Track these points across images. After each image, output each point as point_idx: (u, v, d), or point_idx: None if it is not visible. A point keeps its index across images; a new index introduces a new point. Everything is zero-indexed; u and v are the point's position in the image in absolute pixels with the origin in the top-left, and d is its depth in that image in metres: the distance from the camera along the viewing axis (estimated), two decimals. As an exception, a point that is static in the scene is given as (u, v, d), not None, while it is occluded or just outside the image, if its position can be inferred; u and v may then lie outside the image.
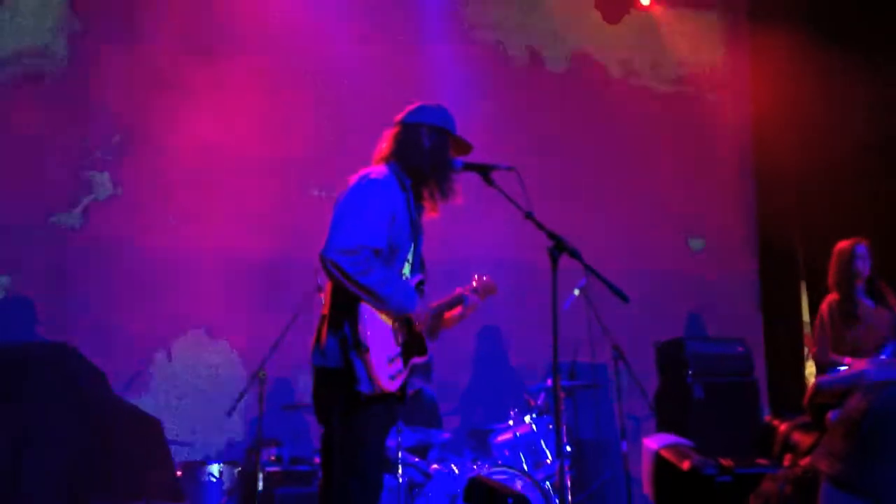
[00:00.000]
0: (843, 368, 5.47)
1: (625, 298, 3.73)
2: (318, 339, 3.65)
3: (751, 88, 8.71)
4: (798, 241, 8.22)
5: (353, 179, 3.73)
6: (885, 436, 1.00)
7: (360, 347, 3.49)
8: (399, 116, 3.94)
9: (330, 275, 3.54)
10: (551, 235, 3.64)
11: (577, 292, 6.10)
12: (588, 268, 3.74)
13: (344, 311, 3.58)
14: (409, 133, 3.87)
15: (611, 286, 3.70)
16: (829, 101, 7.31)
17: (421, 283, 3.84)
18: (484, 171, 3.83)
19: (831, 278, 5.89)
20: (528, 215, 3.72)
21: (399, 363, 3.65)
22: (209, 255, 6.44)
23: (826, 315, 5.83)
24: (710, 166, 8.48)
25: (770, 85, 8.26)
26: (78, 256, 6.25)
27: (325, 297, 3.76)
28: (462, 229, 7.14)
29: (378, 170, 3.76)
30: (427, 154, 3.83)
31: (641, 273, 7.69)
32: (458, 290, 4.01)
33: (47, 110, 6.40)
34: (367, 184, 3.68)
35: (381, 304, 3.56)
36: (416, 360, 3.77)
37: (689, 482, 4.64)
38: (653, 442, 5.54)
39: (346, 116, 6.96)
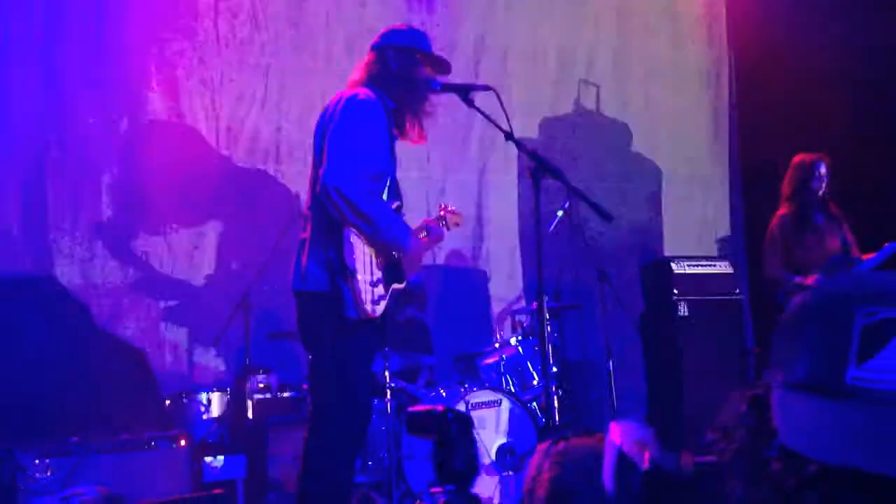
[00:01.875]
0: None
1: (608, 218, 3.72)
2: (298, 264, 3.63)
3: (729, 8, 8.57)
4: (781, 158, 8.17)
5: (337, 101, 3.67)
6: (815, 320, 0.87)
7: (345, 272, 3.48)
8: (371, 42, 3.89)
9: (331, 202, 3.49)
10: (532, 156, 3.60)
11: (560, 213, 6.07)
12: (571, 188, 3.71)
13: (328, 234, 3.55)
14: (378, 58, 3.83)
15: (594, 206, 3.69)
16: (815, 12, 7.20)
17: (398, 208, 3.81)
18: (463, 91, 3.79)
19: (785, 190, 5.86)
20: (509, 136, 3.68)
21: (382, 289, 3.63)
22: (189, 182, 6.35)
23: (777, 230, 5.80)
24: (690, 76, 8.38)
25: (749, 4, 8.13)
26: (56, 186, 6.14)
27: (304, 222, 3.73)
28: (443, 150, 7.10)
29: (364, 91, 3.71)
30: (395, 76, 3.78)
31: (623, 192, 7.67)
32: (425, 221, 3.98)
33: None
34: (358, 106, 3.63)
35: (377, 233, 3.53)
36: (396, 287, 3.76)
37: (649, 480, 4.68)
38: (617, 434, 5.50)
39: (323, 36, 6.82)
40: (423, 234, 3.95)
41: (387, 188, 3.75)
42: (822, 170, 5.74)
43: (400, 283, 3.79)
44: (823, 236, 5.68)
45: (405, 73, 3.79)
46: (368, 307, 3.52)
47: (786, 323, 0.96)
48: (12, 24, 6.05)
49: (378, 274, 3.63)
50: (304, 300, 3.64)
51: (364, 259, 3.56)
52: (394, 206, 3.76)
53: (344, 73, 4.00)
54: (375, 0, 7.01)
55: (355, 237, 3.54)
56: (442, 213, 4.02)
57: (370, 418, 3.81)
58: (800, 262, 5.65)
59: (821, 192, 5.74)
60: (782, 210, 5.84)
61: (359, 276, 3.51)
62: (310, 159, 3.78)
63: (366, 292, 3.53)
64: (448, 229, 4.05)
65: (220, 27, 6.57)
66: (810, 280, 5.52)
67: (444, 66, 3.89)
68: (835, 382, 0.86)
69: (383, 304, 3.64)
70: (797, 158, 5.86)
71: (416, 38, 3.87)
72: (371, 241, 3.58)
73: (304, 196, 3.85)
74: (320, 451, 3.55)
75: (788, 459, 0.88)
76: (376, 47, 3.86)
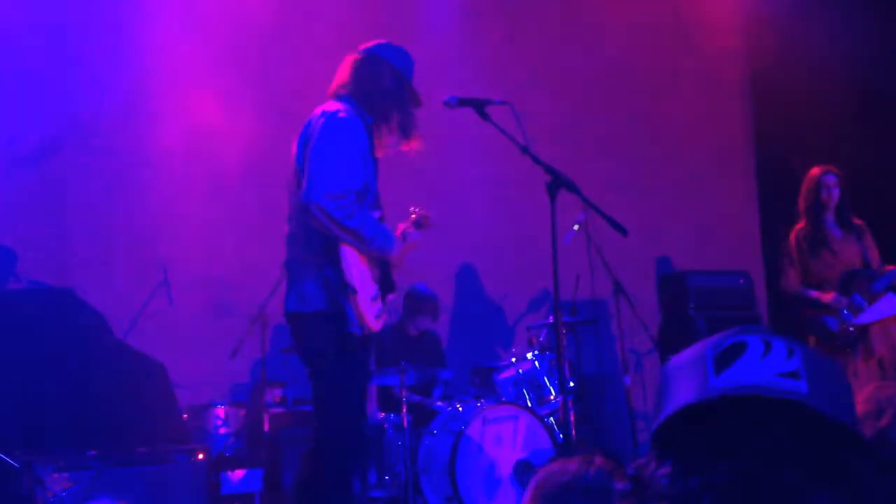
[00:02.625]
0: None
1: (623, 231, 3.72)
2: (293, 284, 3.64)
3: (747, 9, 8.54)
4: (800, 170, 8.13)
5: (317, 117, 3.70)
6: (676, 373, 1.09)
7: (347, 289, 3.52)
8: (364, 46, 3.89)
9: (315, 219, 3.54)
10: (548, 169, 3.62)
11: (576, 227, 6.07)
12: (586, 201, 3.72)
13: (323, 253, 3.59)
14: (372, 67, 3.84)
15: (609, 219, 3.69)
16: (832, 20, 7.19)
17: (381, 218, 3.85)
18: (479, 105, 3.80)
19: (800, 204, 5.81)
20: (525, 150, 3.69)
21: (380, 302, 3.69)
22: (208, 195, 6.39)
23: (793, 244, 5.73)
24: (705, 87, 8.37)
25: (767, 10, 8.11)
26: (76, 196, 6.18)
27: (290, 239, 3.75)
28: (459, 165, 7.11)
29: (343, 108, 3.74)
30: (386, 93, 3.81)
31: (639, 203, 7.65)
32: (401, 228, 3.99)
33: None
34: (338, 124, 3.66)
35: (363, 245, 3.59)
36: (390, 296, 3.82)
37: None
38: None
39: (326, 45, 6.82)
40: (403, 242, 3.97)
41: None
42: (830, 180, 5.67)
43: (392, 292, 3.84)
44: (840, 250, 5.61)
45: (396, 93, 3.83)
46: (371, 322, 3.59)
47: (659, 392, 1.13)
48: (37, 34, 6.11)
49: (375, 288, 3.69)
50: (302, 321, 3.65)
51: (363, 274, 3.63)
52: (376, 216, 3.81)
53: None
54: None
55: (350, 252, 3.59)
56: (414, 216, 4.04)
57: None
58: (817, 277, 5.60)
59: (832, 204, 5.67)
60: (798, 225, 5.80)
61: (360, 292, 3.56)
62: None
63: (366, 308, 3.59)
64: (422, 232, 4.06)
65: (241, 40, 6.62)
66: (827, 297, 5.46)
67: (418, 101, 3.92)
68: (701, 393, 1.02)
69: (384, 317, 3.71)
70: (809, 172, 5.82)
71: (408, 66, 3.90)
72: (361, 252, 3.64)
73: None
74: (332, 468, 3.58)
75: (675, 474, 1.01)
76: (371, 54, 3.87)
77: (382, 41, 3.93)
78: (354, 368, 3.63)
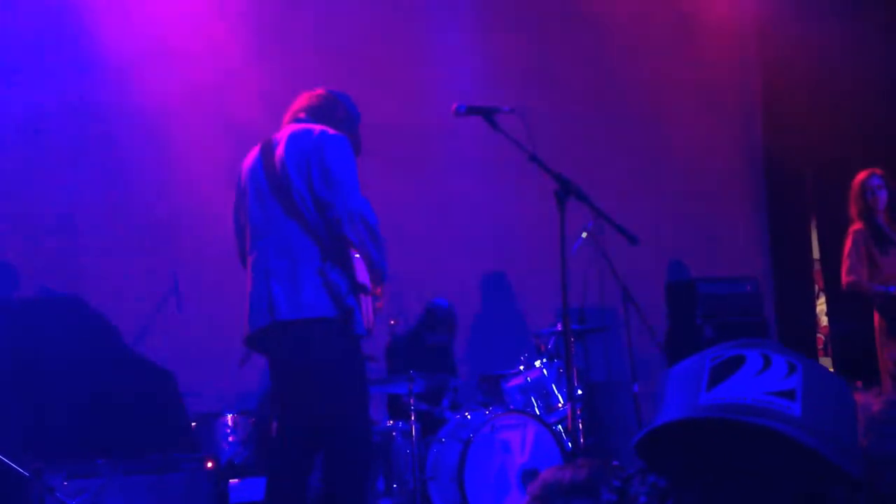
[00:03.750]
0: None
1: (633, 240, 3.72)
2: (286, 291, 3.62)
3: (756, 8, 8.52)
4: (807, 172, 8.13)
5: (307, 133, 3.73)
6: (675, 380, 1.10)
7: (359, 289, 3.59)
8: (324, 88, 4.00)
9: (353, 225, 3.56)
10: (557, 177, 3.62)
11: (584, 235, 6.07)
12: (595, 209, 3.73)
13: (328, 258, 3.60)
14: (331, 102, 3.94)
15: (619, 227, 3.70)
16: (841, 24, 7.18)
17: None
18: (487, 114, 3.82)
19: (852, 210, 5.81)
20: (534, 158, 3.70)
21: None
22: (219, 204, 6.39)
23: (860, 241, 5.68)
24: (714, 94, 8.36)
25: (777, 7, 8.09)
26: (86, 206, 6.20)
27: (268, 253, 3.72)
28: (467, 174, 7.12)
29: (322, 127, 3.80)
30: (340, 125, 3.88)
31: (647, 210, 7.64)
32: None
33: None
34: (344, 140, 3.73)
35: (380, 254, 3.64)
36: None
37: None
38: None
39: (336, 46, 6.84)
40: None
41: None
42: (875, 182, 5.70)
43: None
44: None
45: (349, 132, 3.89)
46: (371, 319, 3.67)
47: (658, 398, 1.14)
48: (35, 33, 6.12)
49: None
50: (301, 329, 3.61)
51: (367, 278, 3.69)
52: None
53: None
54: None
55: (357, 257, 3.65)
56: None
57: None
58: (886, 275, 5.54)
59: (880, 205, 5.68)
60: (856, 226, 5.76)
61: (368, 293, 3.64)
62: None
63: (367, 307, 3.66)
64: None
65: (250, 47, 6.64)
66: None
67: (360, 145, 3.99)
68: (691, 408, 1.02)
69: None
70: (856, 177, 5.83)
71: (359, 119, 4.01)
72: (367, 263, 3.67)
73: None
74: (355, 474, 3.59)
75: (654, 493, 1.04)
76: (331, 93, 3.97)
77: (342, 92, 4.04)
78: (362, 368, 3.70)
